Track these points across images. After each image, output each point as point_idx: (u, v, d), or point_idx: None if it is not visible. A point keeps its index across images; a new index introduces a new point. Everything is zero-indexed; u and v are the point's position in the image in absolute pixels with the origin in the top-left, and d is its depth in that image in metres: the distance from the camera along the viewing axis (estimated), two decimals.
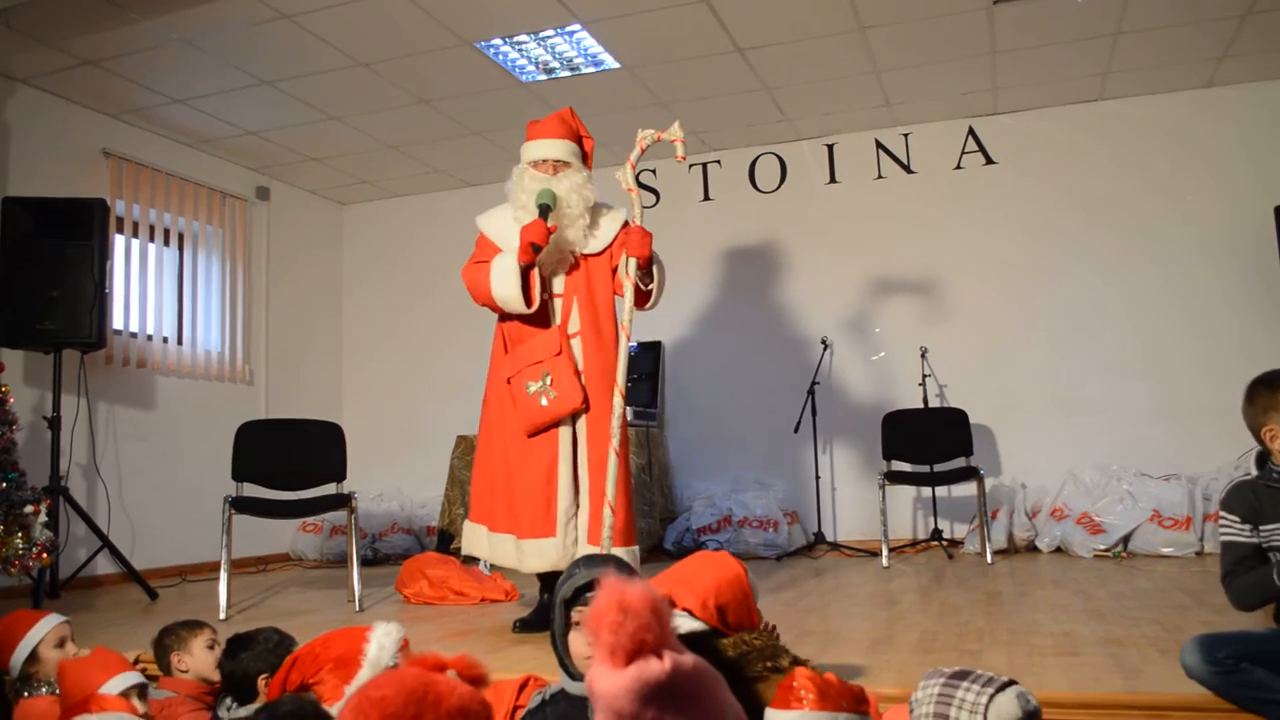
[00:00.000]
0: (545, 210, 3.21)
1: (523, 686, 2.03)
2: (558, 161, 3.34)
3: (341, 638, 1.94)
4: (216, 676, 2.43)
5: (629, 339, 3.19)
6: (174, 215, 5.85)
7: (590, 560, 1.96)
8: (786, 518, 5.63)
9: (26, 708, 2.45)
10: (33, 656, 2.53)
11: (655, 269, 3.32)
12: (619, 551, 3.07)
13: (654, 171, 6.54)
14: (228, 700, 2.33)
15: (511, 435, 3.31)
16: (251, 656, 2.25)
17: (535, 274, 3.27)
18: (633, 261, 3.24)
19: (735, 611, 2.01)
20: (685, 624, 1.94)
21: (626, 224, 3.40)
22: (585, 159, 3.45)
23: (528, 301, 3.26)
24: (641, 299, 3.32)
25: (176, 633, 2.54)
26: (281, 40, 4.62)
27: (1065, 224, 5.69)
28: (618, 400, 3.09)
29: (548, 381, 3.22)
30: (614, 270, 3.41)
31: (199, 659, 2.49)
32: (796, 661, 1.95)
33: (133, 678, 2.26)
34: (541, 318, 3.34)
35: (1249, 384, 2.24)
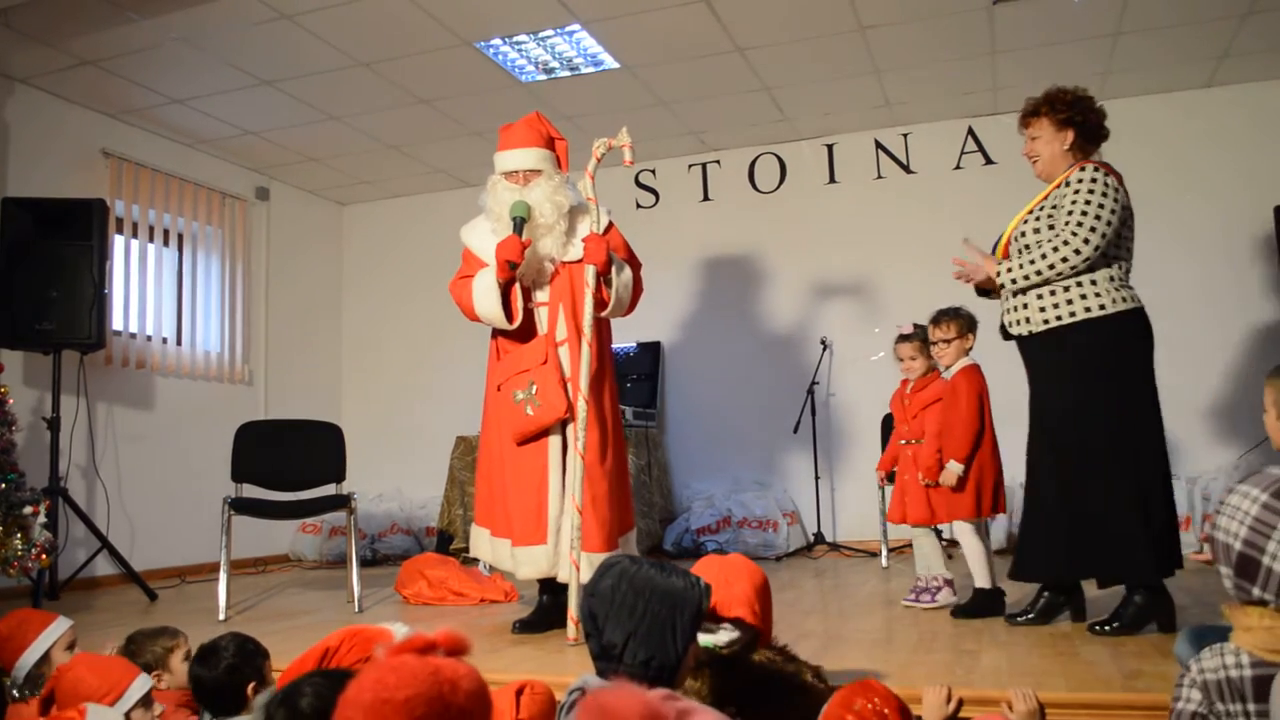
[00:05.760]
0: (520, 223, 3.20)
1: (519, 693, 2.01)
2: (529, 171, 3.32)
3: (369, 631, 1.92)
4: None
5: (592, 346, 3.17)
6: (173, 215, 5.84)
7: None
8: (786, 518, 5.62)
9: (20, 710, 2.42)
10: (45, 658, 2.52)
11: (615, 274, 3.28)
12: (598, 556, 3.05)
13: (653, 172, 6.54)
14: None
15: (506, 442, 3.31)
16: (227, 669, 2.17)
17: (516, 290, 3.27)
18: (590, 268, 3.23)
19: (767, 614, 2.01)
20: (725, 635, 1.90)
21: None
22: (559, 162, 3.42)
23: (510, 317, 3.27)
24: (603, 305, 3.30)
25: (151, 650, 2.45)
26: (281, 40, 4.62)
27: None
28: (581, 405, 3.10)
29: (533, 391, 3.22)
30: None
31: (178, 673, 2.42)
32: (817, 675, 1.94)
33: (147, 683, 2.25)
34: (528, 327, 3.34)
35: None
